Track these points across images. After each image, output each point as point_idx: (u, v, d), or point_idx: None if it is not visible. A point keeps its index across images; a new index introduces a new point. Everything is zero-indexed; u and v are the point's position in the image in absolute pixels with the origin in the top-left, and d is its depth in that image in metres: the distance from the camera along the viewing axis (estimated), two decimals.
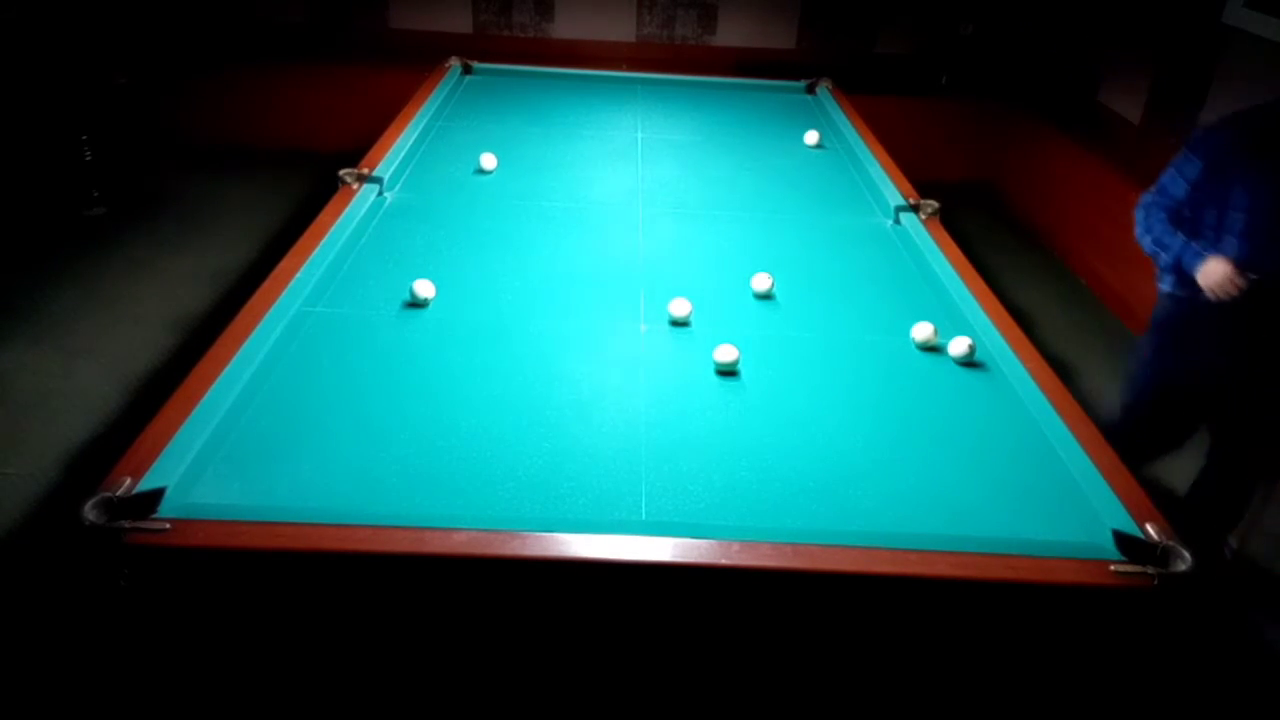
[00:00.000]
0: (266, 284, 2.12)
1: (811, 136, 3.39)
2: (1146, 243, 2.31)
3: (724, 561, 1.44)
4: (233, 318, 1.97)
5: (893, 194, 2.88)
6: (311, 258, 2.25)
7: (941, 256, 2.51)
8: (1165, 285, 2.37)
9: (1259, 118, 2.18)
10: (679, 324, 2.15)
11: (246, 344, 1.89)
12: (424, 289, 2.14)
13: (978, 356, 2.06)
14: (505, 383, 1.90)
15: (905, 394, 1.96)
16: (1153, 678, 2.14)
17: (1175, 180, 2.25)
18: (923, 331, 2.11)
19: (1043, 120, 4.68)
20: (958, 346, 2.06)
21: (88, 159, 4.18)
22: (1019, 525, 1.59)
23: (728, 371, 1.97)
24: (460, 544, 1.43)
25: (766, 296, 2.31)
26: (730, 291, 2.33)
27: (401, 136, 3.05)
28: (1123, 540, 1.53)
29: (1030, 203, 4.80)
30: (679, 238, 2.61)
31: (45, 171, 4.25)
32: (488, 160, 2.97)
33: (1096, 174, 4.15)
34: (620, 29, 5.08)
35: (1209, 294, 2.14)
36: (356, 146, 2.97)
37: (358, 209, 2.56)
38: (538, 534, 1.45)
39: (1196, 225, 2.24)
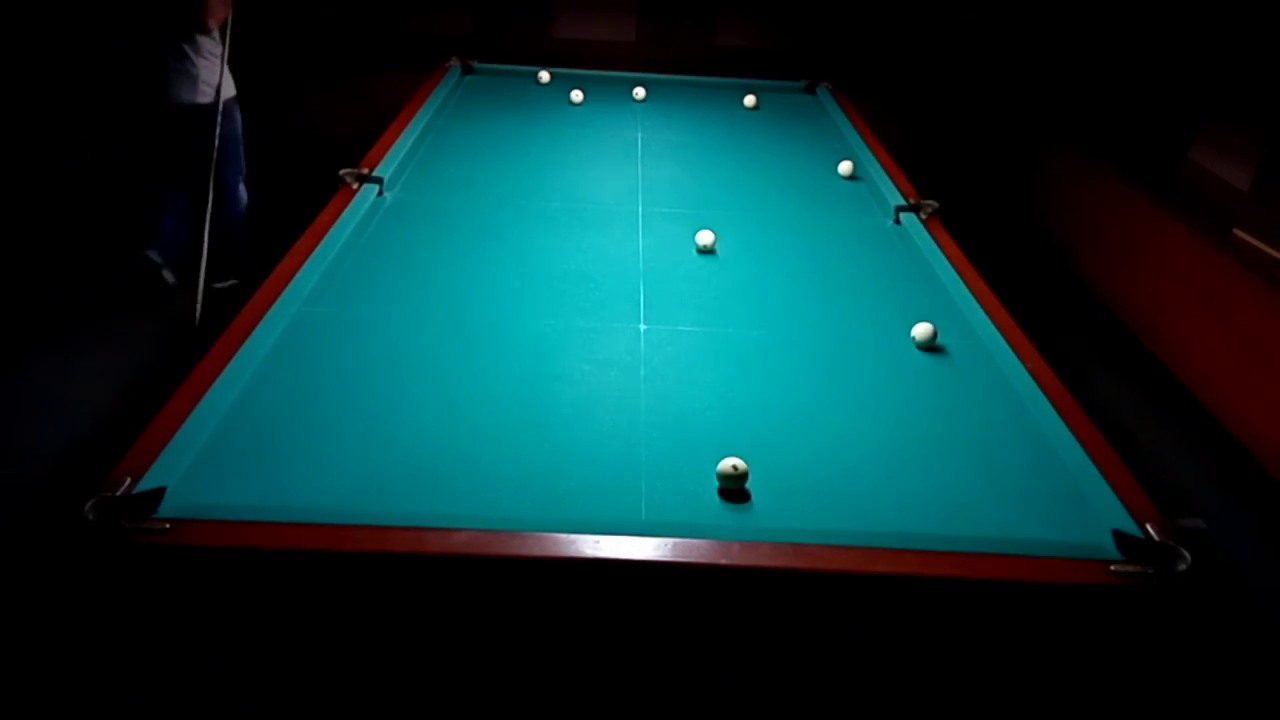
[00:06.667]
0: (266, 284, 2.12)
1: (845, 167, 3.14)
2: None
3: (724, 561, 1.44)
4: (233, 318, 1.97)
5: (893, 194, 2.88)
6: (311, 258, 2.26)
7: (941, 256, 2.51)
8: None
9: None
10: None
11: (246, 344, 1.89)
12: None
13: (977, 355, 2.06)
14: (505, 382, 1.90)
15: (905, 393, 1.96)
16: (1152, 677, 2.14)
17: None
18: (923, 331, 2.12)
19: (1058, 133, 4.68)
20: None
21: (89, 158, 4.17)
22: (1019, 525, 1.59)
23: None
24: (460, 544, 1.43)
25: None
26: (730, 291, 2.33)
27: (401, 136, 3.05)
28: (1122, 540, 1.53)
29: (1031, 202, 4.80)
30: (679, 238, 2.61)
31: (44, 173, 4.24)
32: (575, 95, 3.67)
33: (1097, 174, 4.16)
34: (620, 29, 5.07)
35: None
36: (357, 146, 2.97)
37: (358, 209, 2.56)
38: (538, 534, 1.45)
39: None
